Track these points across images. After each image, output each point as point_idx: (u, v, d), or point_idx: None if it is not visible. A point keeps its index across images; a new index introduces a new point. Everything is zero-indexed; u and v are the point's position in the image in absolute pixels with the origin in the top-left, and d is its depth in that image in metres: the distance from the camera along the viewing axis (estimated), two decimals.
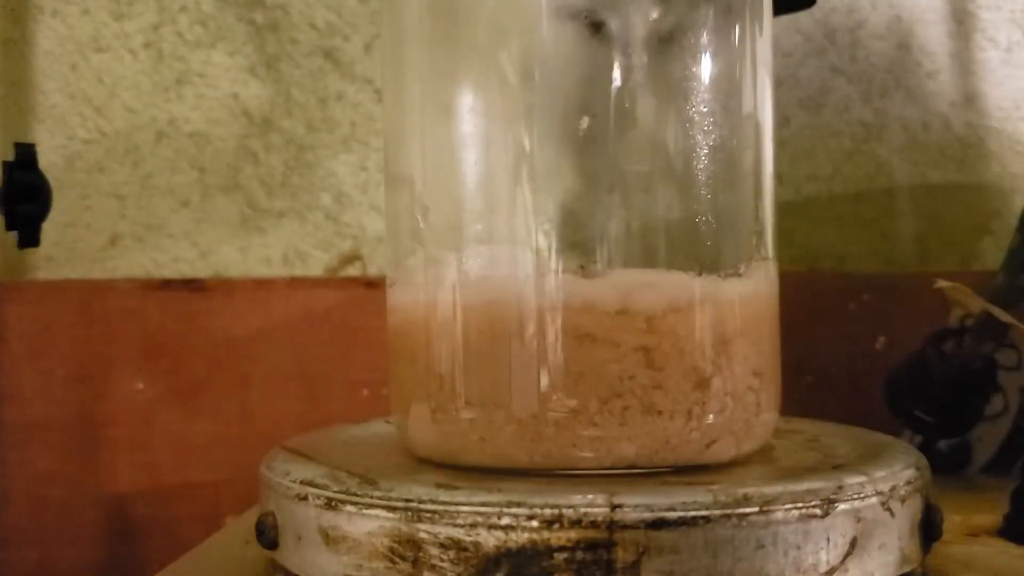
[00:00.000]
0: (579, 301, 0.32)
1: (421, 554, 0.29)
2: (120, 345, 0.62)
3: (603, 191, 0.33)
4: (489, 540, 0.28)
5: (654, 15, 0.33)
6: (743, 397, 0.34)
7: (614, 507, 0.28)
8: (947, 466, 0.53)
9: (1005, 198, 0.65)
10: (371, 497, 0.30)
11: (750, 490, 0.29)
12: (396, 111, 0.37)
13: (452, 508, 0.29)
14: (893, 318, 0.62)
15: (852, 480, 0.30)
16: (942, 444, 0.53)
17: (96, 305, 0.62)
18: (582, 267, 0.33)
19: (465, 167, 0.34)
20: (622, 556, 0.28)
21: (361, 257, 0.65)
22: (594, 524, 0.28)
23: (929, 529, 0.33)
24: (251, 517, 0.36)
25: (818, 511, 0.29)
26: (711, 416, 0.33)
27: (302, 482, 0.32)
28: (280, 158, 0.64)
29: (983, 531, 0.40)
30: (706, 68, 0.34)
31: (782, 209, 0.55)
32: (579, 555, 0.28)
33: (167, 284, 0.63)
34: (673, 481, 0.31)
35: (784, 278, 0.37)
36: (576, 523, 0.28)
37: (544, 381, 0.32)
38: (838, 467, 0.32)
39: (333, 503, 0.31)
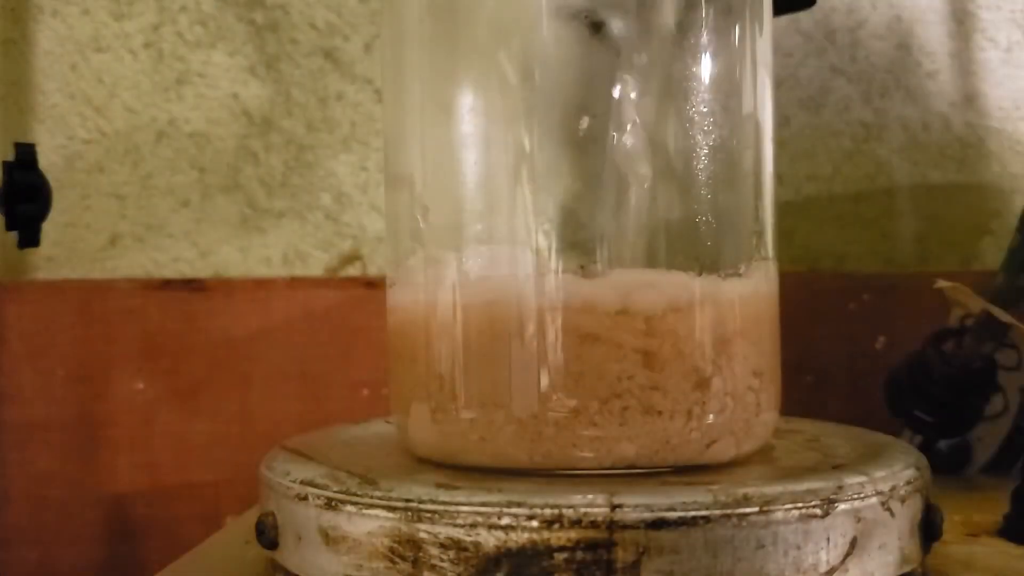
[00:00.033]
0: (579, 301, 0.32)
1: (421, 554, 0.29)
2: (120, 345, 0.62)
3: (603, 191, 0.33)
4: (489, 540, 0.28)
5: (654, 15, 0.33)
6: (743, 397, 0.34)
7: (614, 507, 0.28)
8: (947, 466, 0.53)
9: (1005, 198, 0.65)
10: (371, 497, 0.30)
11: (750, 490, 0.29)
12: (396, 111, 0.37)
13: (452, 508, 0.29)
14: (893, 318, 0.62)
15: (852, 480, 0.30)
16: (942, 444, 0.53)
17: (96, 305, 0.62)
18: (582, 267, 0.33)
19: (465, 167, 0.34)
20: (622, 556, 0.28)
21: (361, 257, 0.65)
22: (594, 524, 0.28)
23: (929, 529, 0.33)
24: (251, 517, 0.36)
25: (818, 511, 0.29)
26: (711, 416, 0.33)
27: (302, 482, 0.32)
28: (280, 158, 0.64)
29: (983, 531, 0.40)
30: (706, 68, 0.34)
31: (782, 209, 0.55)
32: (579, 555, 0.28)
33: (167, 284, 0.63)
34: (673, 481, 0.31)
35: (784, 278, 0.37)
36: (576, 523, 0.28)
37: (544, 381, 0.32)
38: (838, 467, 0.32)
39: (333, 503, 0.31)
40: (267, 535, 0.33)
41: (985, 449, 0.53)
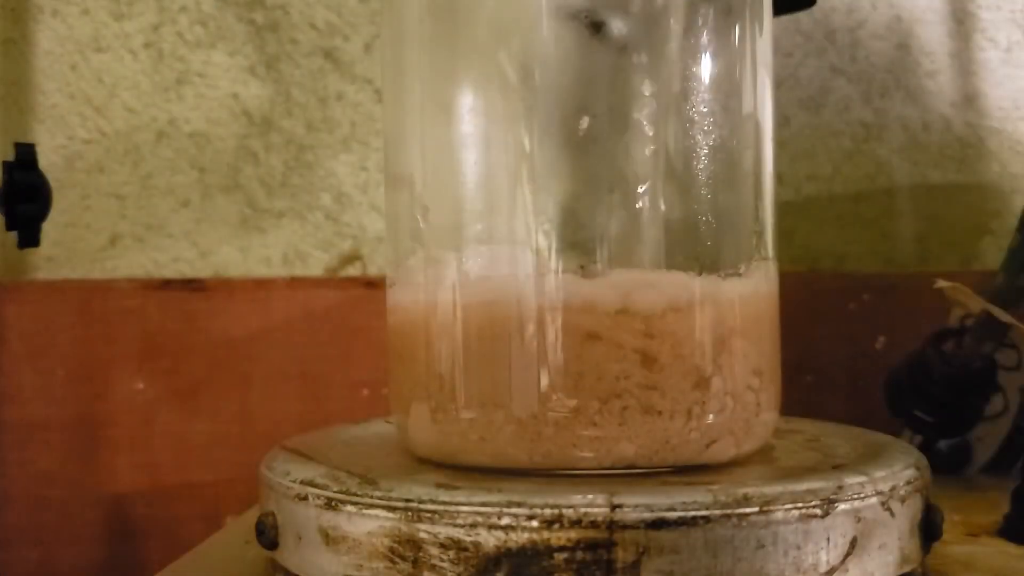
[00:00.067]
0: (579, 301, 0.32)
1: (421, 554, 0.29)
2: (120, 345, 0.62)
3: (603, 191, 0.33)
4: (489, 540, 0.28)
5: (654, 15, 0.33)
6: (743, 397, 0.34)
7: (614, 507, 0.28)
8: (947, 466, 0.53)
9: (1005, 198, 0.65)
10: (371, 497, 0.30)
11: (750, 490, 0.29)
12: (396, 111, 0.37)
13: (452, 508, 0.29)
14: (893, 318, 0.62)
15: (852, 480, 0.30)
16: (942, 444, 0.52)
17: (96, 305, 0.62)
18: (582, 267, 0.33)
19: (465, 167, 0.34)
20: (622, 556, 0.28)
21: (361, 257, 0.65)
22: (594, 524, 0.28)
23: (929, 529, 0.33)
24: (251, 517, 0.36)
25: (818, 511, 0.29)
26: (711, 416, 0.33)
27: (302, 482, 0.32)
28: (280, 158, 0.64)
29: (983, 531, 0.40)
30: (706, 68, 0.34)
31: (782, 209, 0.55)
32: (579, 555, 0.28)
33: (167, 284, 0.63)
34: (673, 481, 0.31)
35: (784, 278, 0.37)
36: (576, 523, 0.28)
37: (544, 381, 0.32)
38: (838, 467, 0.32)
39: (333, 503, 0.31)
40: (267, 535, 0.33)
41: (985, 449, 0.53)
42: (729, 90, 0.35)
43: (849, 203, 0.65)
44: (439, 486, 0.30)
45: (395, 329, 0.37)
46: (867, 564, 0.30)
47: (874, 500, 0.30)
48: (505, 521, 0.28)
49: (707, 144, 0.34)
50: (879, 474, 0.31)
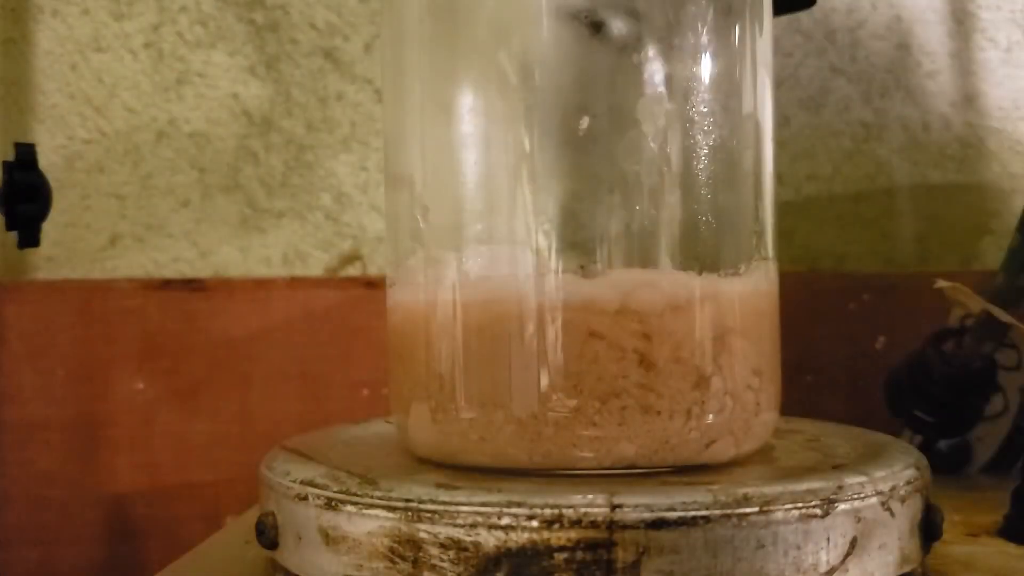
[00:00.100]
0: (579, 301, 0.32)
1: (421, 554, 0.29)
2: (120, 345, 0.62)
3: (603, 191, 0.33)
4: (489, 540, 0.28)
5: (654, 15, 0.33)
6: (743, 397, 0.34)
7: (614, 507, 0.28)
8: (947, 466, 0.53)
9: (1005, 198, 0.65)
10: (371, 497, 0.30)
11: (750, 490, 0.29)
12: (396, 111, 0.37)
13: (452, 508, 0.29)
14: (893, 318, 0.62)
15: (852, 480, 0.30)
16: (942, 444, 0.53)
17: (96, 305, 0.62)
18: (582, 267, 0.33)
19: (465, 167, 0.34)
20: (622, 556, 0.28)
21: (361, 257, 0.65)
22: (594, 524, 0.28)
23: (929, 529, 0.33)
24: (251, 517, 0.36)
25: (818, 511, 0.29)
26: (711, 416, 0.33)
27: (302, 482, 0.32)
28: (280, 158, 0.64)
29: (983, 531, 0.40)
30: (706, 68, 0.34)
31: (782, 209, 0.55)
32: (579, 555, 0.28)
33: (167, 284, 0.63)
34: (673, 481, 0.31)
35: (784, 278, 0.37)
36: (576, 523, 0.28)
37: (544, 381, 0.32)
38: (838, 467, 0.32)
39: (333, 503, 0.31)
40: (267, 535, 0.33)
41: (985, 449, 0.53)
42: (729, 90, 0.35)
43: (849, 203, 0.65)
44: (439, 486, 0.30)
45: (395, 329, 0.37)
46: (867, 564, 0.30)
47: (874, 500, 0.30)
48: (505, 521, 0.28)
49: (707, 144, 0.34)
50: (879, 474, 0.31)
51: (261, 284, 0.63)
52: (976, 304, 0.48)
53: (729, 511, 0.28)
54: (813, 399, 0.61)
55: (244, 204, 0.64)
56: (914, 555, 0.32)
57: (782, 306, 0.37)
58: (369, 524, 0.30)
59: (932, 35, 0.65)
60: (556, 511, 0.28)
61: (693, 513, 0.28)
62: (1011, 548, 0.39)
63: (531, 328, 0.32)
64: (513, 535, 0.28)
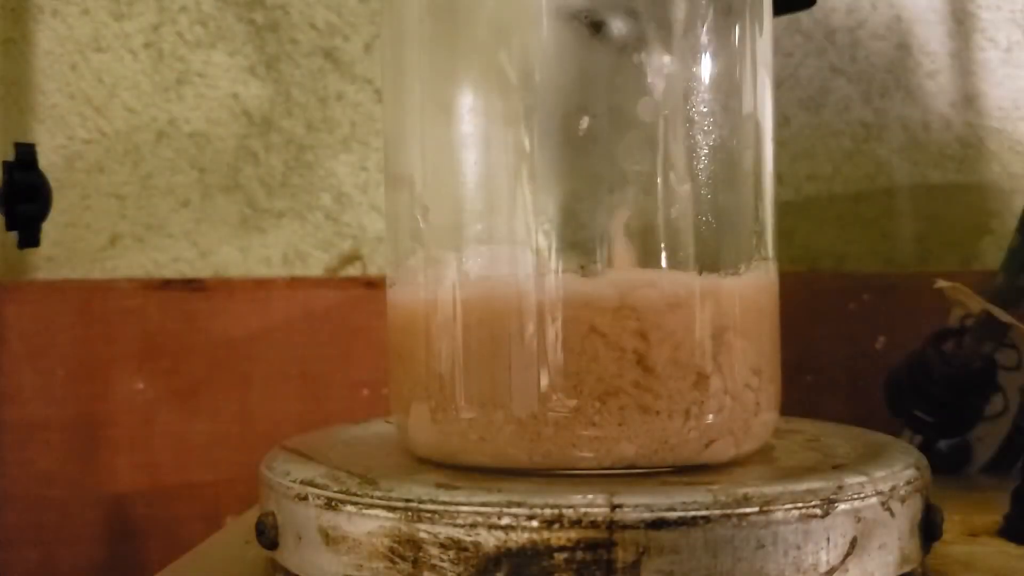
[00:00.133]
0: (579, 301, 0.32)
1: (421, 554, 0.29)
2: (120, 345, 0.62)
3: (603, 191, 0.33)
4: (489, 540, 0.28)
5: (653, 15, 0.33)
6: (742, 397, 0.34)
7: (614, 507, 0.28)
8: (947, 466, 0.53)
9: (1005, 198, 0.65)
10: (371, 497, 0.30)
11: (750, 490, 0.29)
12: (396, 111, 0.37)
13: (452, 508, 0.29)
14: (893, 318, 0.62)
15: (852, 480, 0.30)
16: (942, 444, 0.52)
17: (96, 305, 0.62)
18: (582, 267, 0.33)
19: (465, 167, 0.34)
20: (622, 556, 0.28)
21: (361, 257, 0.65)
22: (594, 524, 0.28)
23: (929, 529, 0.33)
24: (251, 517, 0.36)
25: (818, 511, 0.29)
26: (710, 416, 0.33)
27: (302, 482, 0.32)
28: (280, 158, 0.64)
29: (983, 531, 0.40)
30: (706, 68, 0.34)
31: (782, 209, 0.55)
32: (579, 555, 0.28)
33: (167, 284, 0.63)
34: (673, 481, 0.31)
35: (784, 278, 0.37)
36: (576, 523, 0.28)
37: (544, 381, 0.32)
38: (838, 467, 0.32)
39: (333, 503, 0.31)
40: (267, 535, 0.33)
41: (985, 449, 0.53)
42: (729, 90, 0.35)
43: (849, 203, 0.65)
44: (439, 486, 0.30)
45: (395, 329, 0.37)
46: (867, 564, 0.30)
47: (874, 500, 0.30)
48: (505, 521, 0.28)
49: (707, 144, 0.34)
50: (879, 474, 0.31)
51: (261, 284, 0.63)
52: (976, 304, 0.48)
53: (729, 511, 0.28)
54: (813, 399, 0.61)
55: (244, 204, 0.64)
56: (914, 555, 0.32)
57: (782, 306, 0.37)
58: (369, 524, 0.30)
59: (932, 35, 0.65)
60: (556, 511, 0.28)
61: (693, 513, 0.28)
62: (1011, 548, 0.39)
63: (531, 328, 0.32)
64: (513, 535, 0.28)
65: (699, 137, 0.34)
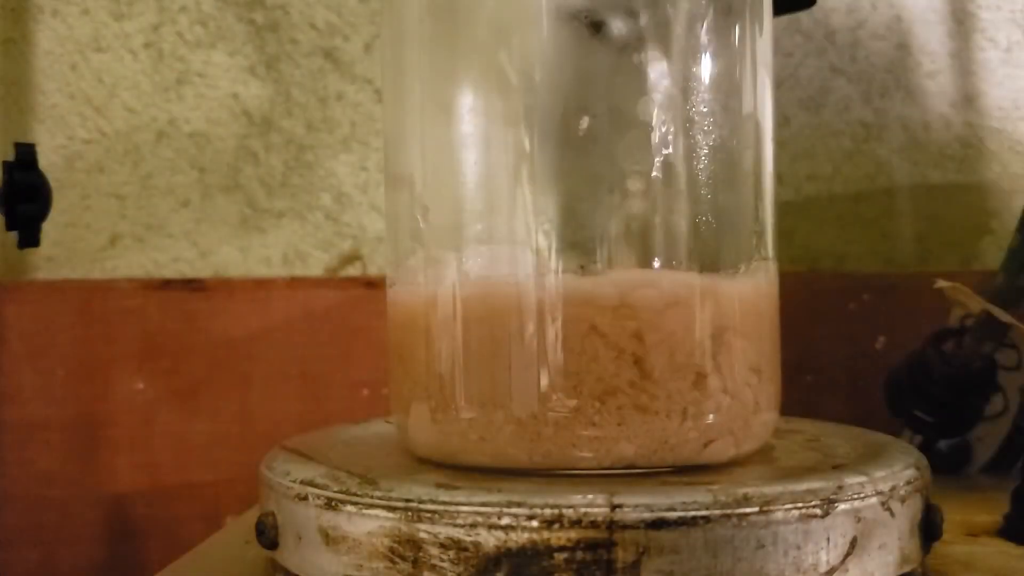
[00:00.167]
0: (579, 301, 0.32)
1: (421, 554, 0.29)
2: (120, 345, 0.62)
3: (603, 191, 0.33)
4: (489, 540, 0.28)
5: (653, 15, 0.33)
6: (742, 397, 0.34)
7: (614, 507, 0.28)
8: (947, 466, 0.53)
9: (1005, 198, 0.65)
10: (371, 497, 0.30)
11: (750, 490, 0.29)
12: (396, 111, 0.37)
13: (452, 508, 0.29)
14: (893, 318, 0.62)
15: (852, 480, 0.30)
16: (942, 444, 0.52)
17: (96, 305, 0.62)
18: (582, 267, 0.33)
19: (465, 167, 0.34)
20: (622, 556, 0.28)
21: (361, 257, 0.65)
22: (594, 524, 0.28)
23: (929, 529, 0.33)
24: (251, 517, 0.36)
25: (818, 511, 0.29)
26: (710, 416, 0.33)
27: (302, 482, 0.32)
28: (280, 158, 0.64)
29: (983, 531, 0.40)
30: (706, 68, 0.34)
31: (782, 209, 0.55)
32: (579, 555, 0.28)
33: (167, 284, 0.63)
34: (673, 481, 0.31)
35: (784, 278, 0.37)
36: (576, 523, 0.28)
37: (544, 381, 0.32)
38: (838, 467, 0.32)
39: (333, 503, 0.31)
40: (267, 535, 0.33)
41: (985, 449, 0.53)
42: (729, 90, 0.35)
43: (849, 203, 0.65)
44: (439, 486, 0.30)
45: (395, 329, 0.37)
46: (867, 564, 0.30)
47: (874, 500, 0.30)
48: (505, 521, 0.28)
49: (707, 144, 0.34)
50: (879, 474, 0.31)
51: (261, 284, 0.63)
52: (976, 304, 0.48)
53: (729, 511, 0.28)
54: (813, 399, 0.61)
55: (244, 204, 0.64)
56: (914, 555, 0.32)
57: (782, 306, 0.37)
58: (369, 524, 0.30)
59: (932, 35, 0.65)
60: (556, 511, 0.28)
61: (693, 513, 0.28)
62: (1011, 548, 0.39)
63: (531, 328, 0.32)
64: (513, 535, 0.28)
65: (699, 137, 0.34)
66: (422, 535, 0.29)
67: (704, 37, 0.34)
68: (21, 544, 0.62)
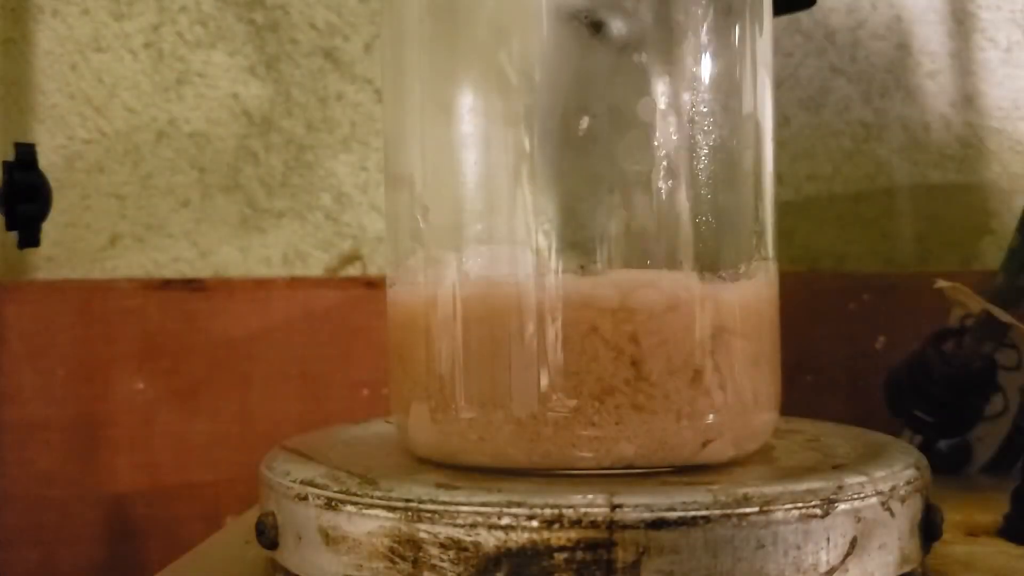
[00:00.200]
0: (579, 301, 0.32)
1: (421, 554, 0.29)
2: (120, 345, 0.62)
3: (603, 191, 0.33)
4: (489, 540, 0.28)
5: (653, 15, 0.33)
6: (742, 397, 0.34)
7: (614, 507, 0.28)
8: (947, 466, 0.53)
9: (1005, 198, 0.65)
10: (371, 497, 0.30)
11: (750, 490, 0.29)
12: (396, 111, 0.37)
13: (452, 508, 0.29)
14: (893, 318, 0.62)
15: (852, 480, 0.30)
16: (942, 444, 0.52)
17: (96, 305, 0.62)
18: (582, 267, 0.33)
19: (465, 167, 0.34)
20: (622, 556, 0.28)
21: (361, 257, 0.65)
22: (594, 524, 0.28)
23: (929, 529, 0.33)
24: (251, 517, 0.36)
25: (818, 511, 0.29)
26: (710, 416, 0.33)
27: (302, 482, 0.32)
28: (280, 158, 0.64)
29: (983, 531, 0.40)
30: (706, 68, 0.34)
31: (782, 209, 0.55)
32: (579, 555, 0.28)
33: (167, 284, 0.63)
34: (673, 481, 0.31)
35: (784, 278, 0.37)
36: (576, 523, 0.28)
37: (543, 381, 0.32)
38: (838, 467, 0.32)
39: (333, 503, 0.31)
40: (267, 535, 0.33)
41: (985, 449, 0.53)
42: (729, 90, 0.35)
43: (849, 203, 0.65)
44: (439, 486, 0.30)
45: (395, 329, 0.37)
46: (867, 564, 0.30)
47: (874, 500, 0.30)
48: (505, 521, 0.28)
49: (707, 144, 0.34)
50: (879, 474, 0.31)
51: (261, 284, 0.63)
52: (976, 304, 0.48)
53: (729, 511, 0.28)
54: (813, 399, 0.61)
55: (244, 204, 0.64)
56: (914, 555, 0.32)
57: (782, 306, 0.37)
58: (369, 524, 0.30)
59: (932, 35, 0.65)
60: (556, 511, 0.28)
61: (693, 513, 0.28)
62: (1011, 548, 0.39)
63: (531, 328, 0.32)
64: (513, 535, 0.28)
65: (699, 137, 0.34)
66: (422, 535, 0.29)
67: (704, 37, 0.34)
68: (21, 544, 0.62)
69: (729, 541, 0.28)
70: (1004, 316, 0.47)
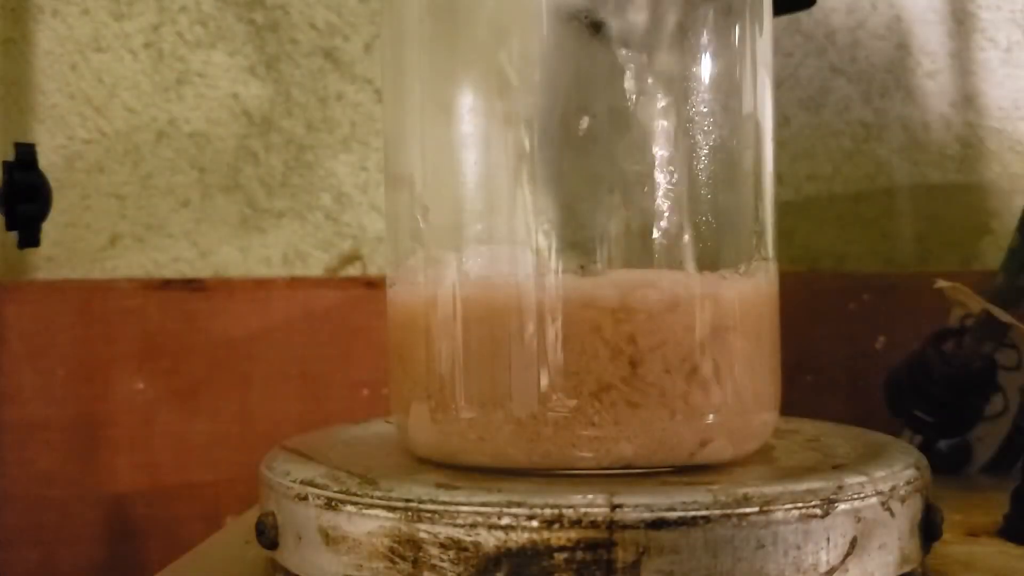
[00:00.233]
0: (579, 301, 0.32)
1: (421, 554, 0.29)
2: (120, 345, 0.62)
3: (603, 191, 0.33)
4: (489, 540, 0.28)
5: (654, 15, 0.33)
6: (742, 397, 0.34)
7: (614, 507, 0.28)
8: (947, 466, 0.53)
9: (1005, 198, 0.65)
10: (371, 497, 0.30)
11: (750, 490, 0.29)
12: (396, 111, 0.37)
13: (452, 508, 0.29)
14: (893, 318, 0.62)
15: (852, 480, 0.30)
16: (942, 444, 0.52)
17: (96, 305, 0.62)
18: (582, 267, 0.33)
19: (465, 167, 0.34)
20: (622, 556, 0.28)
21: (361, 257, 0.65)
22: (594, 524, 0.28)
23: (929, 529, 0.33)
24: (251, 517, 0.36)
25: (818, 511, 0.29)
26: (709, 415, 0.33)
27: (302, 482, 0.32)
28: (280, 158, 0.64)
29: (983, 531, 0.40)
30: (706, 68, 0.34)
31: (782, 209, 0.55)
32: (579, 555, 0.28)
33: (167, 284, 0.63)
34: (673, 481, 0.31)
35: (784, 278, 0.37)
36: (576, 523, 0.28)
37: (543, 381, 0.32)
38: (838, 467, 0.32)
39: (333, 503, 0.31)
40: (267, 535, 0.33)
41: (985, 449, 0.53)
42: (729, 90, 0.35)
43: (849, 203, 0.65)
44: (439, 486, 0.30)
45: (395, 329, 0.37)
46: (867, 564, 0.30)
47: (874, 500, 0.30)
48: (505, 521, 0.28)
49: (707, 144, 0.34)
50: (879, 474, 0.31)
51: (261, 284, 0.63)
52: (976, 304, 0.48)
53: (729, 511, 0.28)
54: (813, 399, 0.61)
55: (244, 204, 0.64)
56: (914, 555, 0.32)
57: (782, 306, 0.37)
58: (369, 524, 0.30)
59: (932, 35, 0.65)
60: (556, 511, 0.28)
61: (693, 513, 0.28)
62: (1011, 548, 0.39)
63: (531, 328, 0.32)
64: (513, 535, 0.28)
65: (699, 137, 0.34)
66: (422, 535, 0.29)
67: (704, 37, 0.34)
68: (21, 544, 0.62)
69: (729, 541, 0.28)
70: (1004, 316, 0.47)
